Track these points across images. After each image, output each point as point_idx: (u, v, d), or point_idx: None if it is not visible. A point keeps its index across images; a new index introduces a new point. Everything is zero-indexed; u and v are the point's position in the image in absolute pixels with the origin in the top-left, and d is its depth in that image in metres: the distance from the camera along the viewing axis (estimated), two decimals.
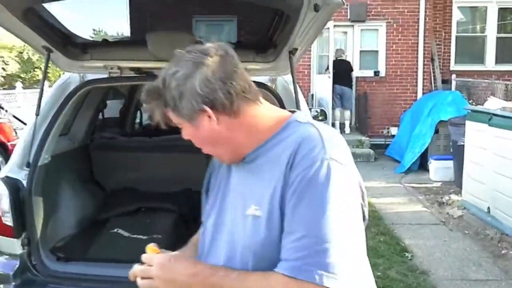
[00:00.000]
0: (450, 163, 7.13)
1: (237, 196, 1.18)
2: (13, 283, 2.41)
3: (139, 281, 1.18)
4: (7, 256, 2.52)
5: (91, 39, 3.10)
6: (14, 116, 9.52)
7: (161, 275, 1.14)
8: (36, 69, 28.19)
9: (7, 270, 2.44)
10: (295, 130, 1.14)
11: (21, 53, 27.64)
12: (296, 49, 2.49)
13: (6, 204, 2.45)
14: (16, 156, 2.63)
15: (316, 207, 1.03)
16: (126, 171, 3.53)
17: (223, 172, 1.29)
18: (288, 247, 1.04)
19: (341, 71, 10.08)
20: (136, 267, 1.18)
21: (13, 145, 6.39)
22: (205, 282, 1.09)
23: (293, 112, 1.23)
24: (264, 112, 1.19)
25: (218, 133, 1.14)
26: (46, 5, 2.35)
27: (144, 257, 1.19)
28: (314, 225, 1.02)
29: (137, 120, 5.21)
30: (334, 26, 9.99)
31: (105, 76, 2.81)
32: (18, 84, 18.30)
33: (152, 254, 1.19)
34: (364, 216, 1.16)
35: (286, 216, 1.06)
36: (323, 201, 1.03)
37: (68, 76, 2.89)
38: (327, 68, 10.13)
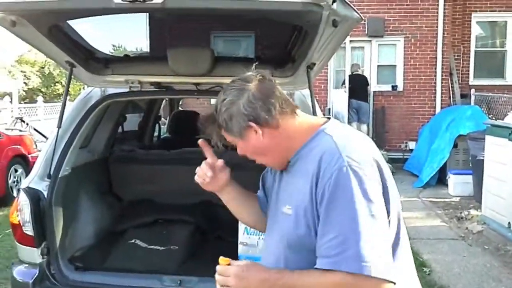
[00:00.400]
0: (469, 178, 7.04)
1: (280, 196, 1.47)
2: None
3: None
4: (27, 265, 2.57)
5: (112, 54, 3.19)
6: (35, 129, 9.73)
7: (238, 284, 1.33)
8: (56, 84, 28.77)
9: (27, 279, 2.49)
10: (319, 143, 1.36)
11: (43, 68, 28.28)
12: (314, 64, 2.52)
13: (27, 214, 2.52)
14: (37, 167, 2.70)
15: (343, 210, 1.24)
16: (144, 183, 3.57)
17: (276, 173, 1.55)
18: (324, 247, 1.26)
19: (357, 86, 10.08)
20: (217, 277, 1.38)
21: (34, 157, 6.53)
22: (275, 285, 1.31)
23: (328, 118, 1.46)
24: (300, 121, 1.43)
25: (265, 144, 1.40)
26: (70, 22, 2.42)
27: (219, 269, 1.37)
28: (343, 226, 1.23)
29: (156, 134, 5.28)
30: (351, 41, 10.03)
31: (126, 90, 2.88)
32: (39, 98, 18.68)
33: (225, 265, 1.37)
34: (388, 212, 1.32)
35: (319, 222, 1.28)
36: (348, 204, 1.24)
37: (89, 90, 2.96)
38: (343, 83, 10.14)
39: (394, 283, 1.24)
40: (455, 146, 8.05)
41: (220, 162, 1.61)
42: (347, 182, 1.25)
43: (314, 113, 2.66)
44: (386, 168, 1.37)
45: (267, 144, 1.40)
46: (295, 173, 1.41)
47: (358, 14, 1.98)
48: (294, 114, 1.42)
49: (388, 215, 1.31)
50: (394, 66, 10.76)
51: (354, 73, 10.22)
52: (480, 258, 4.78)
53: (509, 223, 5.22)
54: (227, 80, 2.77)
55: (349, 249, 1.21)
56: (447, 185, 7.71)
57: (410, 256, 1.48)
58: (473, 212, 6.29)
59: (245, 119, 1.36)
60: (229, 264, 1.36)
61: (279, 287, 1.31)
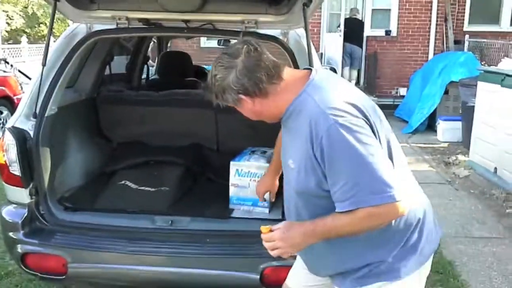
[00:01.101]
0: (459, 124, 7.08)
1: (285, 150, 1.70)
2: (22, 231, 2.45)
3: (271, 253, 1.58)
4: (15, 205, 2.55)
5: None
6: (20, 71, 9.48)
7: (284, 244, 1.55)
8: (41, 24, 27.87)
9: (16, 219, 2.48)
10: (306, 105, 1.52)
11: (26, 7, 27.28)
12: (310, 1, 2.41)
13: (13, 154, 2.46)
14: (22, 106, 2.62)
15: (344, 159, 1.43)
16: (134, 125, 3.52)
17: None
18: (339, 193, 1.45)
19: (353, 30, 9.89)
20: (265, 245, 1.58)
21: (19, 99, 6.38)
22: (314, 234, 1.52)
23: (309, 70, 1.61)
24: (286, 83, 1.57)
25: (258, 109, 1.59)
26: None
27: (264, 237, 1.58)
28: (350, 172, 1.43)
29: (144, 75, 5.15)
30: None
31: (113, 26, 2.76)
32: (23, 39, 18.13)
33: (268, 232, 1.57)
34: (380, 141, 1.51)
35: (327, 174, 1.47)
36: (347, 153, 1.42)
37: (75, 26, 2.83)
38: (339, 26, 9.93)
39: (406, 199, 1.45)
40: (446, 92, 8.04)
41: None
42: (339, 136, 1.41)
43: (310, 54, 2.58)
44: (368, 105, 1.55)
45: (261, 109, 1.58)
46: (290, 130, 1.61)
47: None
48: (280, 79, 1.56)
49: (381, 143, 1.51)
50: (389, 10, 10.51)
51: (352, 17, 9.99)
52: (465, 202, 4.88)
53: (495, 168, 5.30)
54: (218, 17, 2.71)
55: (363, 190, 1.41)
56: (436, 131, 7.76)
57: (407, 171, 1.67)
58: (460, 157, 6.37)
59: (235, 93, 1.53)
60: (271, 230, 1.57)
61: (317, 233, 1.52)
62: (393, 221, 1.53)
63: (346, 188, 1.42)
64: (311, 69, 1.63)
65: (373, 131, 1.48)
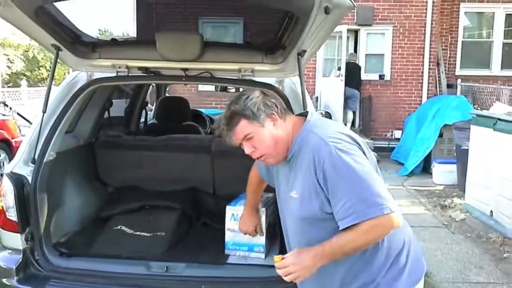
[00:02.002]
0: (454, 167, 7.13)
1: (285, 184, 1.85)
2: (16, 277, 2.43)
3: (286, 278, 1.70)
4: (10, 251, 2.53)
5: (99, 38, 3.13)
6: (18, 114, 9.56)
7: (297, 268, 1.67)
8: (41, 68, 28.30)
9: (10, 265, 2.46)
10: (307, 140, 1.73)
11: (27, 51, 27.78)
12: (304, 51, 2.50)
13: (10, 200, 2.48)
14: (22, 152, 2.66)
15: (344, 179, 1.61)
16: (131, 170, 3.54)
17: (276, 168, 1.95)
18: (341, 211, 1.61)
19: (352, 74, 10.14)
20: (279, 272, 1.71)
21: (17, 142, 6.43)
22: (323, 255, 1.66)
23: (305, 115, 1.85)
24: (290, 123, 1.81)
25: (278, 134, 1.77)
26: (56, 3, 2.37)
27: (278, 265, 1.71)
28: (350, 190, 1.60)
29: (142, 120, 5.22)
30: (348, 30, 10.02)
31: (113, 74, 2.83)
32: (23, 82, 18.37)
33: (281, 261, 1.71)
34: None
35: (329, 196, 1.64)
36: (346, 173, 1.61)
37: (75, 74, 2.91)
38: (339, 68, 10.12)
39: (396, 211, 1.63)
40: (441, 135, 8.14)
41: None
42: (339, 159, 1.62)
43: (304, 101, 2.65)
44: (359, 139, 1.75)
45: (280, 134, 1.77)
46: (293, 167, 1.78)
47: (350, 1, 1.96)
48: (288, 115, 1.84)
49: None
50: (382, 55, 10.78)
51: (350, 62, 10.25)
52: (462, 246, 4.86)
53: (491, 211, 5.31)
54: (216, 66, 2.80)
55: (363, 204, 1.58)
56: (431, 174, 7.80)
57: None
58: (456, 200, 6.38)
59: (268, 109, 1.76)
60: (282, 259, 1.70)
61: (326, 255, 1.66)
62: (385, 241, 1.70)
63: (348, 205, 1.60)
64: (307, 112, 1.90)
65: (364, 154, 1.71)
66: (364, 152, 1.71)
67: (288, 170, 1.83)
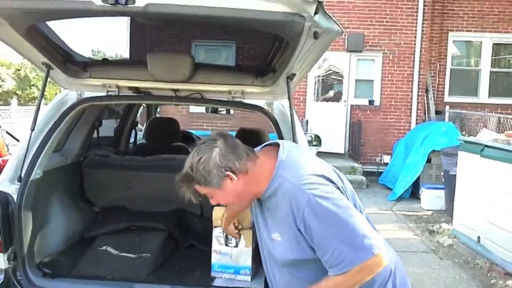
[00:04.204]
0: (442, 193, 7.17)
1: (263, 223, 1.78)
2: None
3: None
4: None
5: (91, 57, 3.15)
6: (7, 132, 9.48)
7: None
8: (32, 87, 28.20)
9: None
10: (281, 186, 1.65)
11: (19, 70, 27.71)
12: (294, 74, 2.54)
13: None
14: (8, 170, 2.63)
15: (329, 228, 1.56)
16: (118, 190, 3.51)
17: (254, 207, 1.87)
18: (330, 260, 1.58)
19: None
20: None
21: (5, 161, 6.35)
22: None
23: (277, 145, 1.76)
24: (260, 162, 1.71)
25: (240, 189, 1.68)
26: (49, 23, 2.39)
27: None
28: (337, 239, 1.56)
29: (132, 140, 5.21)
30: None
31: (103, 94, 2.84)
32: (14, 101, 18.28)
33: None
34: (349, 199, 1.69)
35: (315, 247, 1.60)
36: (330, 221, 1.56)
37: (65, 93, 2.91)
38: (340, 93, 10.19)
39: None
40: (429, 161, 8.20)
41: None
42: (319, 207, 1.56)
43: (293, 123, 2.67)
44: (331, 173, 1.71)
45: (242, 188, 1.68)
46: (270, 209, 1.72)
47: (339, 26, 2.00)
48: (256, 156, 1.72)
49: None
50: (372, 81, 10.93)
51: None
52: (450, 271, 4.86)
53: (478, 237, 5.32)
54: (206, 88, 2.82)
55: (351, 250, 1.54)
56: (419, 199, 7.83)
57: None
58: (444, 226, 6.40)
59: (222, 170, 1.64)
60: None
61: None
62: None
63: (336, 254, 1.56)
64: (277, 144, 1.78)
65: (342, 192, 1.67)
66: (340, 188, 1.67)
67: (263, 210, 1.78)
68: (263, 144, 1.90)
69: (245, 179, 1.67)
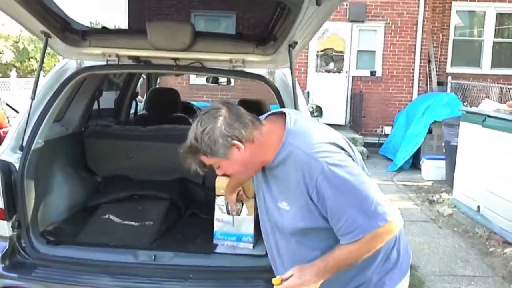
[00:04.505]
0: (442, 163, 7.19)
1: (268, 192, 1.73)
2: (1, 265, 2.41)
3: None
4: None
5: (90, 26, 3.11)
6: (7, 104, 9.46)
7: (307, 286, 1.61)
8: (31, 59, 27.99)
9: None
10: (291, 155, 1.60)
11: (17, 42, 27.44)
12: (296, 43, 2.50)
13: None
14: (9, 139, 2.63)
15: (343, 196, 1.54)
16: (119, 159, 3.52)
17: (256, 176, 1.80)
18: (343, 228, 1.56)
19: None
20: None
21: (5, 132, 6.35)
22: (326, 270, 1.61)
23: (284, 114, 1.69)
24: (267, 130, 1.65)
25: (247, 158, 1.62)
26: None
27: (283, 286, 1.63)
28: (350, 207, 1.54)
29: (133, 111, 5.20)
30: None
31: (103, 63, 2.81)
32: (13, 73, 18.18)
33: (279, 283, 1.63)
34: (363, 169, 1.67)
35: (328, 215, 1.57)
36: (344, 189, 1.54)
37: (65, 62, 2.88)
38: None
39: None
40: (430, 132, 8.20)
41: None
42: (333, 175, 1.53)
43: (295, 92, 2.65)
44: (342, 141, 1.67)
45: (249, 157, 1.62)
46: (276, 177, 1.68)
47: None
48: (262, 124, 1.66)
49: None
50: (374, 51, 10.81)
51: None
52: (449, 240, 4.91)
53: (478, 206, 5.37)
54: (207, 56, 2.79)
55: (365, 217, 1.52)
56: (420, 170, 7.87)
57: None
58: (444, 196, 6.44)
59: (228, 140, 1.58)
60: (282, 280, 1.63)
61: (329, 269, 1.61)
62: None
63: (350, 221, 1.54)
64: (283, 113, 1.71)
65: (353, 160, 1.64)
66: (351, 156, 1.64)
67: (267, 179, 1.73)
68: (267, 113, 1.83)
69: (251, 148, 1.61)
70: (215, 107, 1.62)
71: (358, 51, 10.89)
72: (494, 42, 11.25)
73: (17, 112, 8.58)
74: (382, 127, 10.60)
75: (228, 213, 2.66)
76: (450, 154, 6.62)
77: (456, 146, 6.11)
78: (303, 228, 1.63)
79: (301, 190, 1.57)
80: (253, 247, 2.66)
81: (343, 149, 1.62)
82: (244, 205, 2.60)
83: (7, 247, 2.46)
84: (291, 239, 1.69)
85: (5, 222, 2.47)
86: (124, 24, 3.41)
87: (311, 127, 1.69)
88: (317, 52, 10.81)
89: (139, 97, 5.41)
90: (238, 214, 2.64)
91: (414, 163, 8.31)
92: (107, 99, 4.34)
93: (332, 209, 1.55)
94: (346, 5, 10.17)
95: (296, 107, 2.60)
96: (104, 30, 3.07)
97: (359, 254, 1.59)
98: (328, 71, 10.98)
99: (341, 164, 1.55)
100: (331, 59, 11.03)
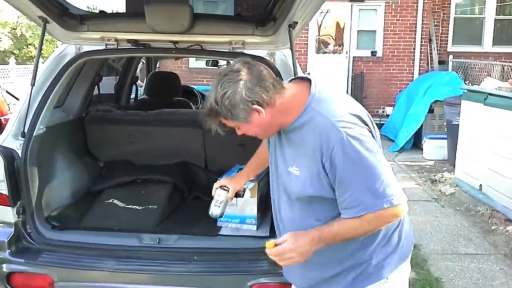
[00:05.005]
0: (444, 142, 7.19)
1: (281, 156, 1.72)
2: (8, 250, 2.43)
3: (281, 263, 1.65)
4: (2, 224, 2.53)
5: (87, 11, 3.08)
6: (7, 91, 9.44)
7: (294, 254, 1.59)
8: (29, 46, 27.83)
9: (2, 238, 2.45)
10: (313, 120, 1.58)
11: (15, 29, 27.26)
12: (296, 23, 2.48)
13: (1, 173, 2.46)
14: (11, 126, 2.63)
15: (356, 169, 1.52)
16: (121, 144, 3.52)
17: (273, 137, 1.79)
18: (348, 201, 1.55)
19: None
20: (273, 258, 1.63)
21: (6, 120, 6.35)
22: (320, 240, 1.58)
23: (308, 80, 1.66)
24: (290, 94, 1.63)
25: (267, 122, 1.61)
26: None
27: (273, 252, 1.61)
28: (360, 181, 1.52)
29: (133, 96, 5.18)
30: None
31: (102, 47, 2.79)
32: (11, 60, 18.11)
33: (273, 247, 1.61)
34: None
35: (335, 185, 1.56)
36: (359, 163, 1.52)
37: (64, 47, 2.86)
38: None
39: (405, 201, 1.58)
40: (431, 111, 8.18)
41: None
42: (351, 147, 1.51)
43: (295, 73, 2.63)
44: (366, 116, 1.63)
45: (269, 121, 1.60)
46: (293, 140, 1.65)
47: None
48: (283, 88, 1.62)
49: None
50: (374, 31, 10.73)
51: None
52: (451, 219, 4.94)
53: (480, 185, 5.38)
54: (206, 39, 2.77)
55: (371, 196, 1.51)
56: (422, 149, 7.87)
57: None
58: (446, 175, 6.46)
59: (249, 105, 1.55)
60: (276, 244, 1.61)
61: (323, 239, 1.59)
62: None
63: (355, 196, 1.52)
64: (309, 80, 1.67)
65: (373, 137, 1.60)
66: (372, 133, 1.61)
67: (282, 142, 1.72)
68: (291, 78, 1.80)
69: (272, 112, 1.59)
70: (236, 69, 1.57)
71: (358, 31, 10.80)
72: (495, 20, 11.15)
73: (17, 99, 8.57)
74: (383, 108, 10.57)
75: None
76: (452, 133, 6.61)
77: (457, 125, 6.10)
78: (310, 196, 1.62)
79: (316, 157, 1.56)
80: (257, 229, 2.67)
81: (365, 123, 1.60)
82: (247, 189, 2.60)
83: (12, 233, 2.47)
84: (296, 205, 1.68)
85: (10, 208, 2.49)
86: (121, 8, 3.38)
87: (336, 96, 1.66)
88: (317, 36, 10.73)
89: (139, 81, 5.39)
90: (242, 196, 2.65)
91: (416, 143, 8.31)
92: (107, 84, 4.32)
93: (341, 180, 1.54)
94: None
95: None
96: (102, 14, 3.05)
97: (357, 232, 1.58)
98: (329, 52, 10.92)
99: (360, 138, 1.52)
100: (330, 39, 10.95)
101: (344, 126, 1.53)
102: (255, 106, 1.56)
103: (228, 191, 2.11)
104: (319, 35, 10.76)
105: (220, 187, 2.13)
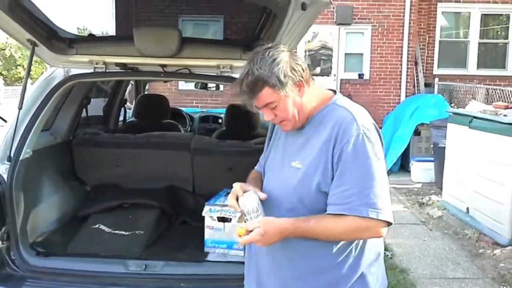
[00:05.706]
0: (431, 165, 7.24)
1: (286, 153, 1.68)
2: None
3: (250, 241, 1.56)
4: None
5: (76, 34, 3.09)
6: None
7: (261, 244, 1.56)
8: (18, 67, 27.75)
9: None
10: (334, 113, 1.60)
11: (3, 50, 27.20)
12: None
13: None
14: None
15: (360, 168, 1.51)
16: (109, 168, 3.50)
17: (280, 132, 1.76)
18: (337, 196, 1.52)
19: None
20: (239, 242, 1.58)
21: None
22: (291, 234, 1.53)
23: (334, 91, 1.70)
24: (317, 87, 1.67)
25: (302, 103, 1.60)
26: None
27: (242, 241, 1.55)
28: (359, 180, 1.51)
29: (121, 118, 5.16)
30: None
31: (90, 71, 2.80)
32: (0, 81, 18.01)
33: (244, 233, 1.54)
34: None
35: (335, 175, 1.53)
36: (365, 163, 1.52)
37: (52, 70, 2.86)
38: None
39: (392, 223, 1.57)
40: (418, 134, 8.26)
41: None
42: (364, 146, 1.52)
43: None
44: (380, 133, 1.65)
45: (303, 103, 1.60)
46: (304, 134, 1.64)
47: None
48: (313, 80, 1.64)
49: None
50: (361, 54, 10.88)
51: None
52: (439, 242, 4.94)
53: (467, 208, 5.41)
54: (194, 62, 2.79)
55: (364, 198, 1.49)
56: (409, 172, 7.91)
57: None
58: (434, 198, 6.49)
59: (296, 75, 1.55)
60: (247, 231, 1.53)
61: (298, 233, 1.54)
62: (360, 244, 1.61)
63: (347, 193, 1.50)
64: (334, 91, 1.72)
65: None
66: (382, 144, 1.62)
67: (297, 138, 1.66)
68: None
69: (307, 93, 1.60)
70: (274, 46, 1.58)
71: (346, 54, 10.94)
72: (479, 43, 11.38)
73: (5, 120, 8.51)
74: None
75: (219, 220, 2.65)
76: (438, 156, 6.67)
77: (444, 148, 6.16)
78: (308, 190, 1.57)
79: (328, 147, 1.55)
80: (244, 254, 2.65)
81: (380, 137, 1.61)
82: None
83: None
84: (287, 203, 1.61)
85: None
86: (112, 30, 3.40)
87: (360, 106, 1.68)
88: (305, 51, 10.84)
89: (127, 103, 5.38)
90: (229, 220, 2.63)
91: (403, 165, 8.36)
92: (96, 106, 4.31)
93: (340, 173, 1.52)
94: (333, 8, 10.23)
95: None
96: (91, 38, 3.06)
97: (331, 233, 1.53)
98: (317, 75, 11.02)
99: (375, 143, 1.54)
100: (319, 62, 11.07)
101: (364, 126, 1.55)
102: (301, 78, 1.56)
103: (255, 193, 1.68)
104: (306, 56, 10.89)
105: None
